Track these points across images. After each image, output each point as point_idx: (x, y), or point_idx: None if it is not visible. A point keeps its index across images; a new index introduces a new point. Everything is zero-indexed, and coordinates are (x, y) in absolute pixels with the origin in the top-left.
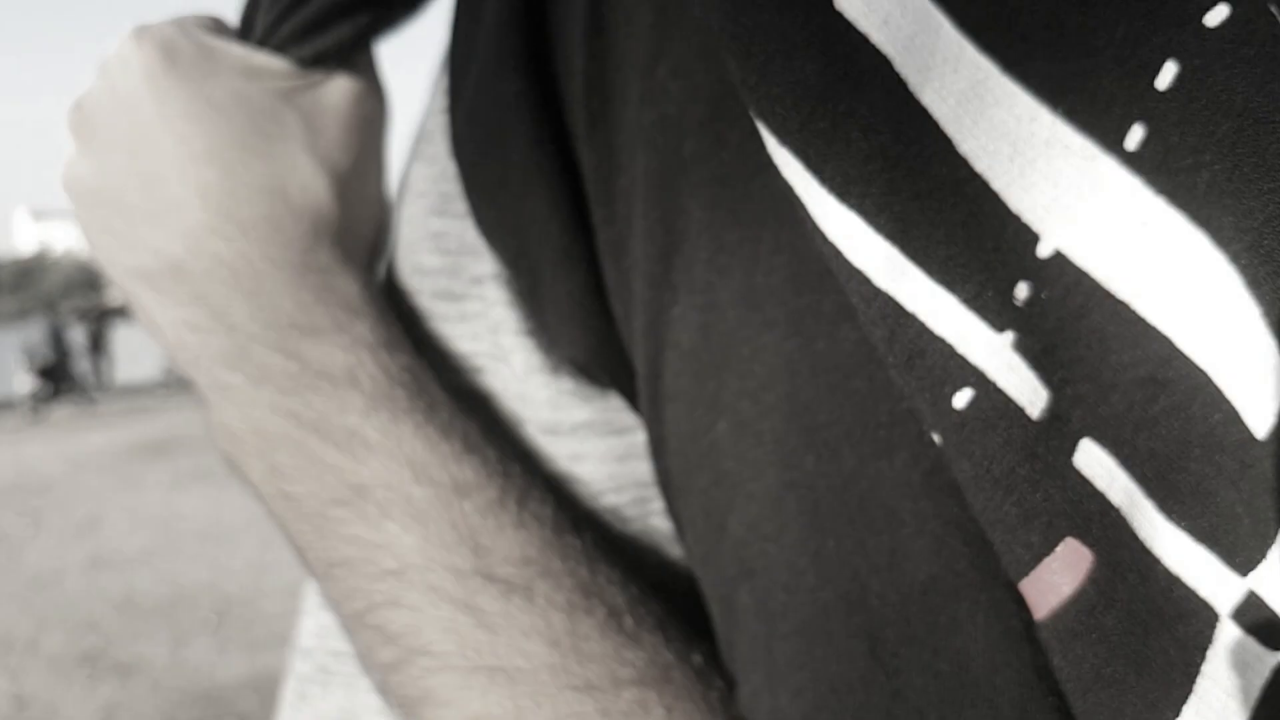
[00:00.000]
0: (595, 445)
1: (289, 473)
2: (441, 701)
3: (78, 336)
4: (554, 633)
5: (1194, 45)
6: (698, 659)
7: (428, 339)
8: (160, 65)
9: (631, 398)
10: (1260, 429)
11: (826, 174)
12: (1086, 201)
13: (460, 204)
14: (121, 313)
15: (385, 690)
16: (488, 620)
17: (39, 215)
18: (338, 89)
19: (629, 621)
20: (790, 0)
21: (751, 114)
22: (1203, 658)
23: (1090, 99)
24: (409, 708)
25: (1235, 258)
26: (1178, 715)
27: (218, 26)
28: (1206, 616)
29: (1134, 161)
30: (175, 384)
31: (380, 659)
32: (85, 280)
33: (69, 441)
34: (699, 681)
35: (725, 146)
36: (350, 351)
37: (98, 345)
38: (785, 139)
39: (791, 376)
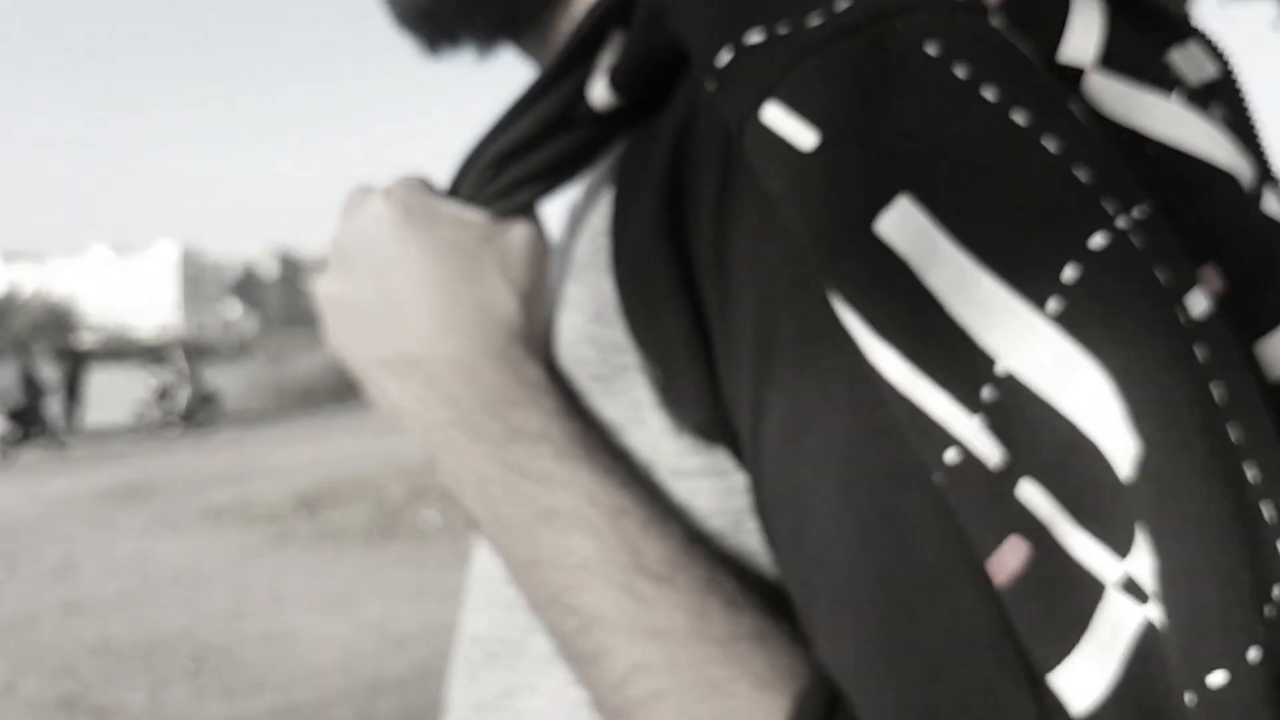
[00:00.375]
0: (707, 484)
1: (499, 501)
2: (612, 652)
3: (51, 378)
4: (689, 606)
5: (1085, 257)
6: (786, 626)
7: (586, 408)
8: (400, 218)
9: (734, 451)
10: (1124, 475)
11: (874, 325)
12: (1025, 341)
13: (613, 316)
14: (94, 355)
15: (568, 650)
16: (644, 598)
17: (8, 257)
18: (519, 234)
19: (739, 600)
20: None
21: (826, 285)
22: (1095, 611)
23: (1025, 282)
24: (587, 661)
25: (1111, 373)
26: (1076, 646)
27: (435, 188)
28: (1098, 586)
29: (1054, 319)
30: (145, 429)
31: (566, 627)
32: (53, 322)
33: (39, 485)
34: (787, 638)
35: (805, 300)
36: (540, 417)
37: (73, 388)
38: (851, 302)
39: (849, 442)
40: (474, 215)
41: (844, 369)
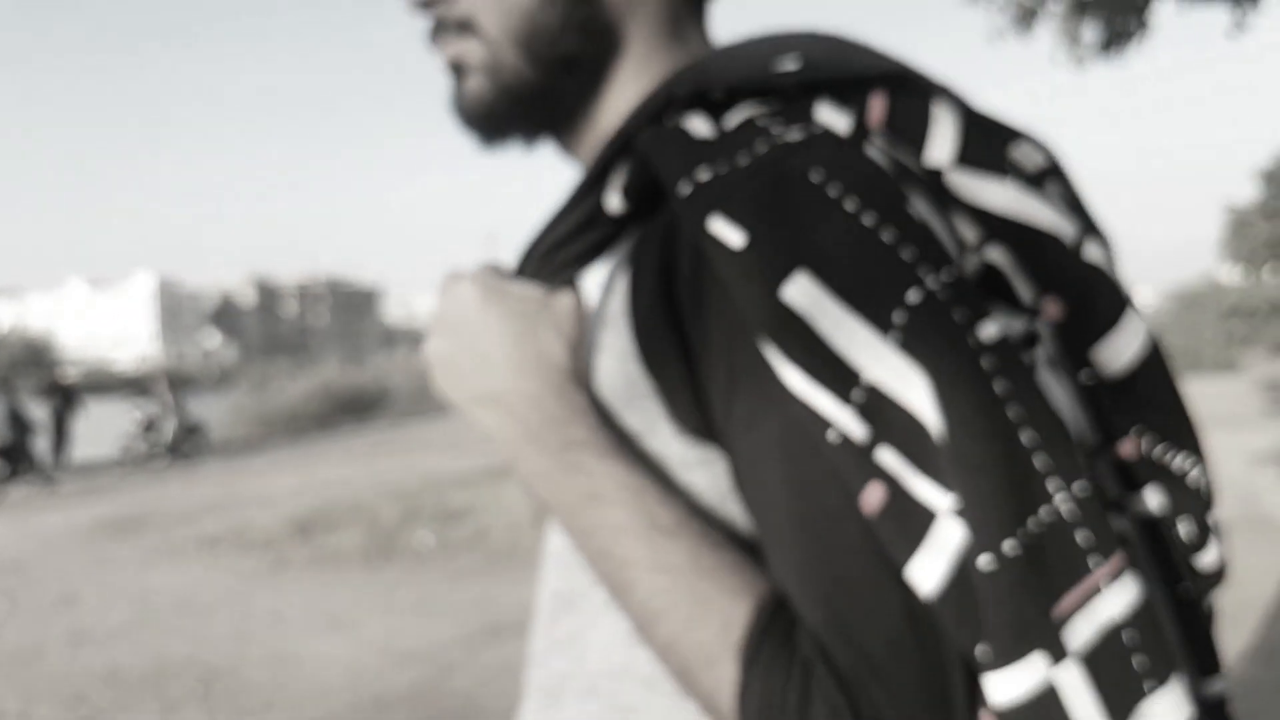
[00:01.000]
0: (702, 471)
1: (560, 490)
2: (638, 583)
3: (38, 414)
4: (687, 550)
5: (907, 307)
6: (755, 564)
7: (616, 422)
8: (482, 294)
9: (718, 446)
10: (939, 442)
11: (784, 353)
12: (879, 361)
13: (633, 358)
14: (81, 389)
15: (611, 587)
16: (658, 547)
17: None
18: (565, 301)
19: (722, 547)
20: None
21: (755, 333)
22: (930, 527)
23: (875, 323)
24: (623, 591)
25: (929, 378)
26: (919, 551)
27: (506, 271)
28: (931, 513)
29: (895, 345)
30: (132, 462)
31: (609, 570)
32: (31, 358)
33: (33, 521)
34: (756, 571)
35: (748, 343)
36: (585, 430)
37: (61, 425)
38: (771, 341)
39: (780, 432)
40: (533, 290)
41: (773, 386)
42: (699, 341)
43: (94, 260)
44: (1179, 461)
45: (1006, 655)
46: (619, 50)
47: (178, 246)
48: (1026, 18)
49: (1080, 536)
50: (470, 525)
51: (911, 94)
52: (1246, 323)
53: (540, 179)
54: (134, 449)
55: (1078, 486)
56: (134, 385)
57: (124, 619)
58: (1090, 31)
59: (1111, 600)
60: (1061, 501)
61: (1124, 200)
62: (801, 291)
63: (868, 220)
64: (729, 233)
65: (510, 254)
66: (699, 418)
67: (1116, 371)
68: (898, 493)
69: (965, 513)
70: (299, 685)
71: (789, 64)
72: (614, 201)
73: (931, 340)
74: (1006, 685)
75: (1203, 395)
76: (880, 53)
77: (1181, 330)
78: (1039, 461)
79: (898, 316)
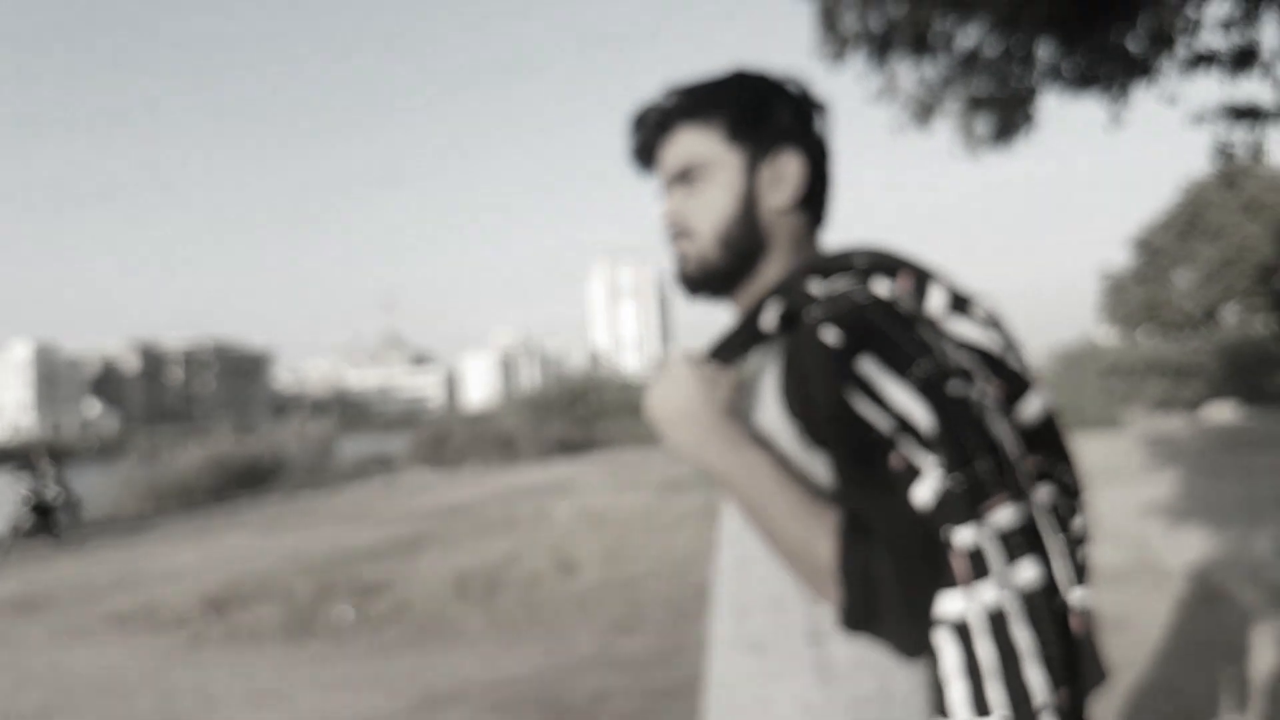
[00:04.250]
0: (818, 467)
1: (734, 479)
2: (779, 522)
3: None
4: (804, 493)
5: (917, 370)
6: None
7: (772, 446)
8: (690, 372)
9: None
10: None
11: (862, 397)
12: (911, 407)
13: (781, 414)
14: None
15: (763, 530)
16: (790, 502)
17: None
18: (731, 374)
19: (821, 498)
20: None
21: (844, 389)
22: (921, 475)
23: (900, 375)
24: (772, 533)
25: (929, 408)
26: (918, 481)
27: (703, 357)
28: (920, 470)
29: (910, 387)
30: (20, 539)
31: (762, 520)
32: None
33: None
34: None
35: (840, 398)
36: (745, 440)
37: None
38: (854, 392)
39: (854, 448)
40: (717, 369)
41: (850, 414)
42: (814, 394)
43: None
44: (1062, 475)
45: (959, 524)
46: (769, 249)
47: (56, 312)
48: (925, 113)
49: (991, 480)
50: (389, 598)
51: (921, 274)
52: (1125, 381)
53: (435, 243)
54: (21, 525)
55: (992, 458)
56: (15, 459)
57: (42, 702)
58: (982, 125)
59: (1005, 511)
60: (983, 464)
61: (1011, 265)
62: (866, 364)
63: (896, 336)
64: (830, 336)
65: (409, 319)
66: (814, 437)
67: (1028, 421)
68: (908, 457)
69: (943, 465)
70: None
71: (860, 260)
72: (769, 321)
73: (928, 390)
74: (959, 538)
75: (1090, 451)
76: (907, 254)
77: (1066, 388)
78: (976, 443)
79: (911, 378)
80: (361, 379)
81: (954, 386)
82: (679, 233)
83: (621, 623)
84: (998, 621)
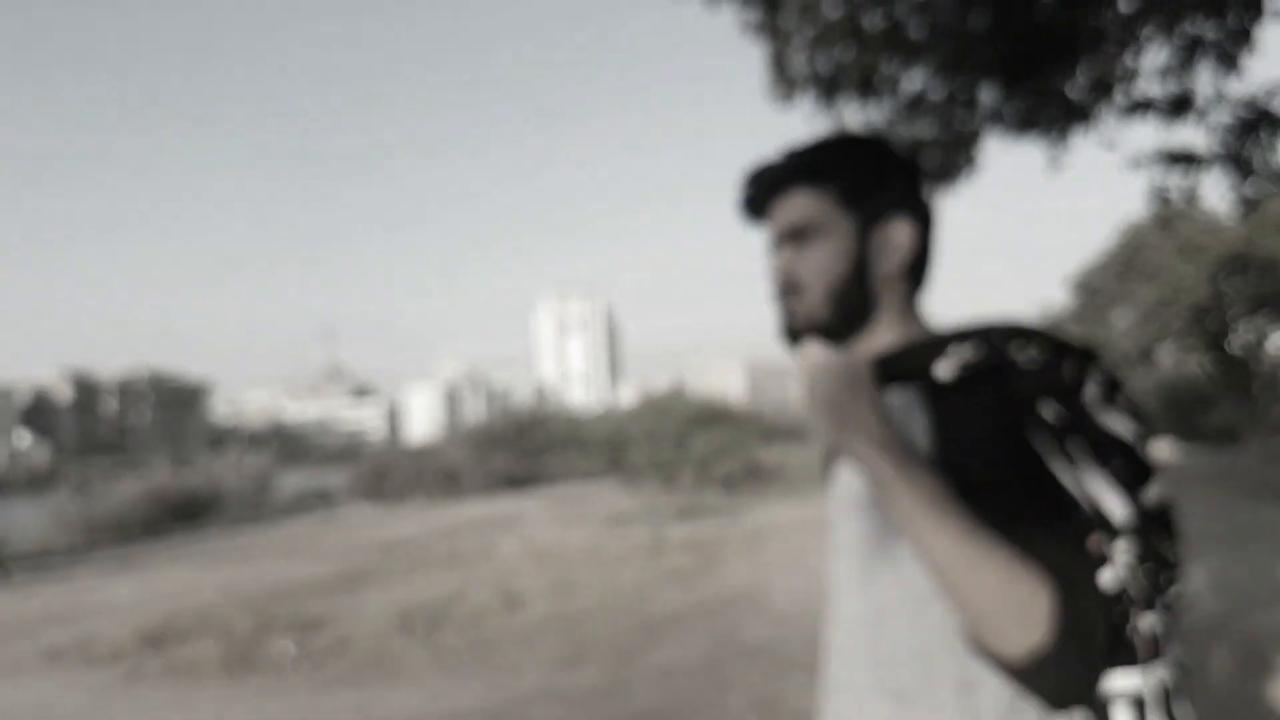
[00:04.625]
0: None
1: (889, 479)
2: (931, 535)
3: None
4: (960, 520)
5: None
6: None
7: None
8: (833, 367)
9: None
10: None
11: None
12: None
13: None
14: None
15: (915, 537)
16: (935, 500)
17: None
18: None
19: (980, 527)
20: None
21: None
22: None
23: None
24: (925, 542)
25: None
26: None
27: (857, 359)
28: (1103, 560)
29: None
30: None
31: (916, 527)
32: None
33: None
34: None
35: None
36: (895, 442)
37: None
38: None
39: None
40: (864, 368)
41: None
42: (998, 455)
43: None
44: (1167, 552)
45: (1144, 610)
46: (875, 313)
47: None
48: None
49: (1169, 572)
50: (330, 633)
51: (1084, 356)
52: None
53: (379, 274)
54: None
55: (1171, 549)
56: None
57: None
58: (926, 165)
59: (1175, 597)
60: (1166, 553)
61: (953, 304)
62: (1077, 448)
63: (1096, 427)
64: (1048, 413)
65: (352, 351)
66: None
67: (1149, 505)
68: (1103, 542)
69: (1136, 556)
70: None
71: (998, 335)
72: (944, 371)
73: (1128, 486)
74: (1144, 623)
75: None
76: (1029, 323)
77: None
78: (1161, 537)
79: (1113, 470)
80: (301, 411)
81: (1150, 494)
82: (788, 289)
83: (567, 657)
84: (1165, 697)
